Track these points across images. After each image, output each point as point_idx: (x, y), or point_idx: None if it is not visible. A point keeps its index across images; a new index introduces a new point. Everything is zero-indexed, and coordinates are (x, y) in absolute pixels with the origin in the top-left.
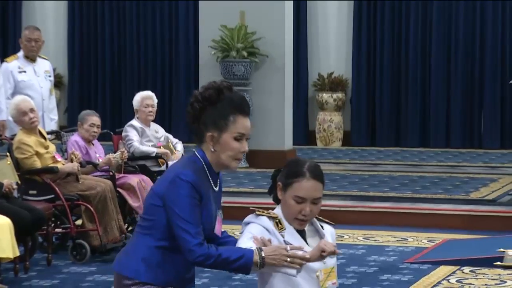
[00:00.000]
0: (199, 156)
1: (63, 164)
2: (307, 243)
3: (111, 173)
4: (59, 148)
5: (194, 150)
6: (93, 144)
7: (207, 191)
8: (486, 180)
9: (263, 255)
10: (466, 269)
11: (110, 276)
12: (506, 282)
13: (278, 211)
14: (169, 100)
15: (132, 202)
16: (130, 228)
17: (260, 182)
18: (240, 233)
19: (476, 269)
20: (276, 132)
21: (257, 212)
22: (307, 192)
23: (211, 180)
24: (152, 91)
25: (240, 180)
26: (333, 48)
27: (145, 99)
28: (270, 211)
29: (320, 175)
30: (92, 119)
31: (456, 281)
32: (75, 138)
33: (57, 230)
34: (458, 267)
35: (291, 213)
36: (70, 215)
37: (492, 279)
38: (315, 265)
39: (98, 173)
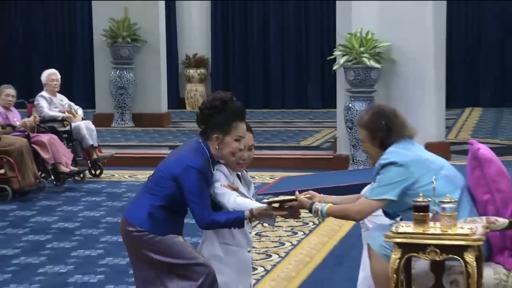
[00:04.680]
0: (205, 149)
1: None
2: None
3: (26, 133)
4: None
5: (200, 141)
6: (11, 111)
7: (210, 175)
8: (312, 132)
9: (254, 213)
10: None
11: (28, 211)
12: None
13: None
14: (70, 76)
15: (44, 154)
16: (43, 175)
17: (143, 138)
18: None
19: None
20: (155, 100)
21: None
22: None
23: (211, 167)
24: (57, 69)
25: (128, 136)
26: (197, 34)
27: (51, 75)
28: None
29: (250, 127)
30: (7, 91)
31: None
32: None
33: None
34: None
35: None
36: None
37: None
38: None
39: (16, 133)
